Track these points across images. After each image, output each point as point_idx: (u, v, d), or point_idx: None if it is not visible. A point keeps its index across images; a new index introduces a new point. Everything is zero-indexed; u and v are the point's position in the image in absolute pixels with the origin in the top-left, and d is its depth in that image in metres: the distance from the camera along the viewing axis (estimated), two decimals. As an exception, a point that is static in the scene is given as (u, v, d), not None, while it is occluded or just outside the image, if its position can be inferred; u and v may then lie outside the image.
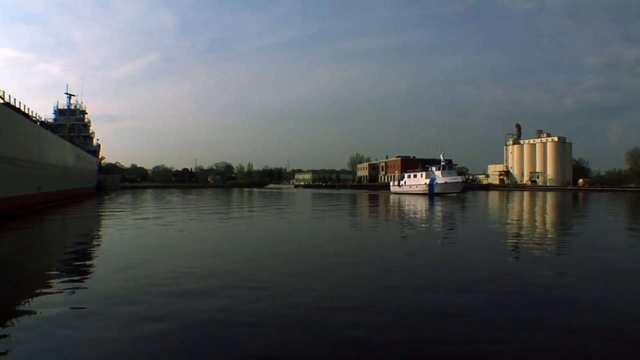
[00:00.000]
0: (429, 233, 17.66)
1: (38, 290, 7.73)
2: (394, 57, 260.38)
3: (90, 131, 78.04)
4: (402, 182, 70.79)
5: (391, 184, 77.76)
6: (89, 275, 9.05)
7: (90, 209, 34.50)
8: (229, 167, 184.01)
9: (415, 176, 67.54)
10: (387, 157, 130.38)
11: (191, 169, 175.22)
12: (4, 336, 5.40)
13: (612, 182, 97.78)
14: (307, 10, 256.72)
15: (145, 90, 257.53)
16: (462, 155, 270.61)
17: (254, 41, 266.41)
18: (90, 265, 10.32)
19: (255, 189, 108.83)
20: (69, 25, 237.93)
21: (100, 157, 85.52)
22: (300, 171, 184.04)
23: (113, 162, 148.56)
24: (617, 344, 5.22)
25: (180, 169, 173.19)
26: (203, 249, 12.86)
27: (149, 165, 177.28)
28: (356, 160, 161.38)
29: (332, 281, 8.51)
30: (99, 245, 14.11)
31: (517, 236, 16.35)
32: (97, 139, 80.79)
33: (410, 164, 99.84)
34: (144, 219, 23.54)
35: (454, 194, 56.35)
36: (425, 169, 66.01)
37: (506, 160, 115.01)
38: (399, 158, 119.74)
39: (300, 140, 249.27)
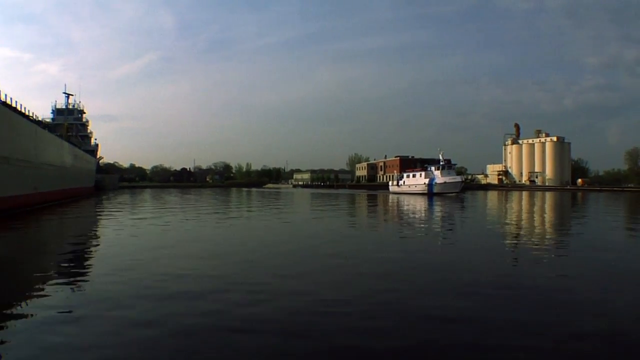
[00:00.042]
0: (429, 233, 17.51)
1: (29, 293, 7.53)
2: (393, 57, 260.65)
3: (89, 131, 77.90)
4: (401, 182, 70.62)
5: (390, 183, 77.60)
6: (81, 278, 8.76)
7: (88, 209, 34.27)
8: (227, 167, 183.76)
9: (414, 176, 67.35)
10: (385, 157, 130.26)
11: (190, 168, 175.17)
12: (-11, 341, 5.17)
13: (610, 182, 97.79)
14: (306, 10, 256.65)
15: (145, 90, 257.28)
16: (461, 155, 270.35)
17: (254, 41, 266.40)
18: (83, 267, 10.11)
19: (253, 189, 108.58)
20: (68, 25, 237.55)
21: (98, 156, 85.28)
22: (298, 171, 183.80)
23: (112, 162, 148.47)
24: (621, 349, 5.08)
25: (178, 168, 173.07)
26: (200, 249, 12.63)
27: (147, 165, 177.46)
28: (355, 160, 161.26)
29: (332, 283, 8.29)
30: (93, 246, 13.85)
31: (517, 237, 16.21)
32: (95, 139, 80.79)
33: (409, 164, 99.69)
34: (141, 219, 23.34)
35: (453, 194, 56.20)
36: (425, 169, 65.80)
37: (505, 160, 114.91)
38: (398, 158, 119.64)
39: (299, 140, 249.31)
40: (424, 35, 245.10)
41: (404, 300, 7.13)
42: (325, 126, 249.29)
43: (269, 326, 5.79)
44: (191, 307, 6.56)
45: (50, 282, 8.35)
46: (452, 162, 64.53)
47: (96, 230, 18.84)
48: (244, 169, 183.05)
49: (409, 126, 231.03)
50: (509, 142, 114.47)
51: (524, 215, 26.50)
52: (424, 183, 62.48)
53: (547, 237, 16.34)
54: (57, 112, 71.88)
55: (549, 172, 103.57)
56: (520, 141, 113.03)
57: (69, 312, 6.35)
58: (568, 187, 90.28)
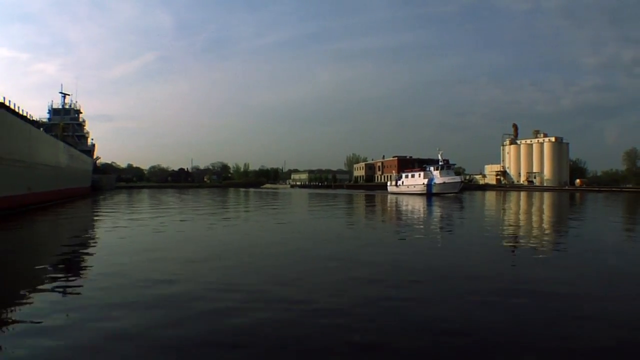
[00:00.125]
0: (429, 235, 17.17)
1: (4, 300, 7.12)
2: (391, 57, 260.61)
3: (85, 130, 77.55)
4: (399, 182, 70.32)
5: (389, 183, 77.30)
6: (64, 283, 8.28)
7: (82, 209, 33.89)
8: (225, 167, 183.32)
9: (413, 176, 67.03)
10: (383, 157, 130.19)
11: (187, 168, 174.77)
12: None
13: (609, 183, 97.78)
14: (304, 10, 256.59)
15: (142, 90, 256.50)
16: (459, 155, 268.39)
17: (251, 41, 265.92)
18: (68, 272, 9.61)
19: (251, 189, 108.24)
20: (65, 25, 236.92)
21: (95, 156, 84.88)
22: (296, 171, 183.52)
23: (109, 162, 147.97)
24: None
25: (176, 169, 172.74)
26: (192, 252, 12.21)
27: (145, 165, 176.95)
28: (353, 160, 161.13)
29: (328, 290, 7.84)
30: (82, 249, 13.26)
31: (518, 239, 15.87)
32: (92, 139, 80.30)
33: (407, 164, 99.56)
34: (134, 220, 22.97)
35: (452, 194, 55.95)
36: (423, 169, 65.49)
37: (503, 161, 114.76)
38: (396, 158, 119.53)
39: (297, 140, 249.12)
40: (422, 35, 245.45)
41: (405, 309, 6.65)
42: (323, 126, 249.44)
43: (259, 340, 5.34)
44: (175, 318, 6.08)
45: (30, 288, 7.90)
46: (451, 162, 64.31)
47: (87, 233, 18.39)
48: (242, 169, 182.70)
49: (407, 126, 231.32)
50: (507, 142, 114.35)
51: (526, 217, 26.22)
52: (423, 183, 62.21)
53: (549, 239, 16.04)
54: (53, 112, 71.64)
55: (547, 172, 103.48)
56: (518, 141, 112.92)
57: (40, 322, 5.89)
58: (566, 187, 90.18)
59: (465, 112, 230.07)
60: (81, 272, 9.52)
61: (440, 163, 62.34)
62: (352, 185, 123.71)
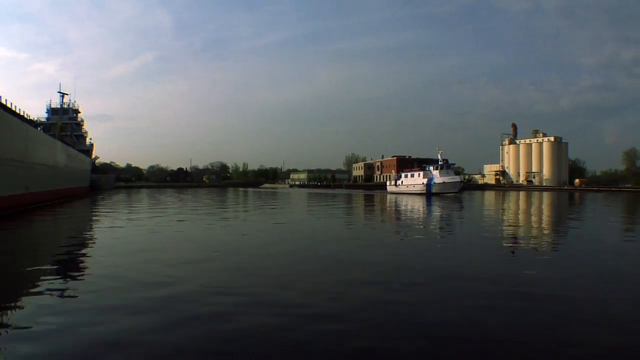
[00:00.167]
0: (429, 235, 17.04)
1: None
2: (390, 57, 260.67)
3: (83, 130, 77.35)
4: (399, 182, 70.05)
5: (388, 183, 77.06)
6: (54, 286, 8.04)
7: (80, 209, 33.71)
8: (224, 167, 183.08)
9: (412, 176, 66.75)
10: (382, 157, 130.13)
11: (186, 168, 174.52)
12: None
13: (608, 182, 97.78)
14: (303, 10, 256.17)
15: (141, 90, 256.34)
16: (458, 155, 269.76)
17: (250, 41, 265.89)
18: (60, 274, 9.38)
19: (250, 189, 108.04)
20: (64, 24, 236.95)
21: (93, 156, 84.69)
22: (295, 171, 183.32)
23: (108, 162, 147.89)
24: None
25: (175, 168, 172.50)
26: (189, 253, 12.07)
27: (144, 165, 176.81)
28: (352, 160, 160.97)
29: (325, 293, 7.62)
30: (77, 250, 13.09)
31: (519, 239, 15.72)
32: (90, 138, 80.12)
33: (406, 164, 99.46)
34: (133, 220, 22.80)
35: (452, 194, 55.79)
36: (423, 169, 65.27)
37: (502, 160, 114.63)
38: (395, 158, 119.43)
39: (295, 140, 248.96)
40: (422, 35, 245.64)
41: (404, 313, 6.43)
42: (322, 126, 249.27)
43: (251, 348, 5.13)
44: (166, 324, 5.84)
45: (22, 290, 7.74)
46: (450, 162, 64.14)
47: (84, 233, 18.22)
48: (241, 169, 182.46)
49: (406, 126, 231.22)
50: (507, 142, 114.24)
51: (524, 216, 26.10)
52: (423, 183, 62.01)
53: (549, 239, 15.93)
54: (51, 111, 71.53)
55: (546, 172, 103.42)
56: (517, 141, 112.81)
57: (29, 327, 5.68)
58: (565, 187, 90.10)
59: (465, 112, 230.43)
60: (75, 273, 9.32)
61: (439, 163, 62.16)
62: (351, 185, 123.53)
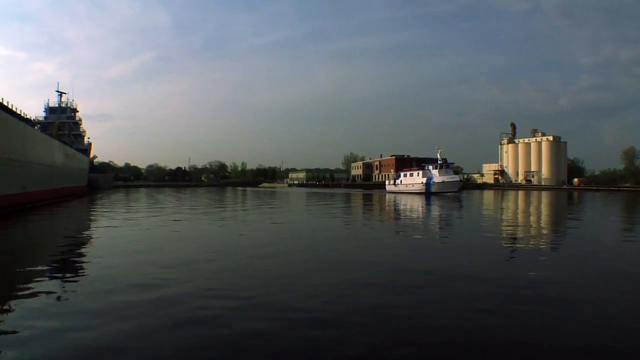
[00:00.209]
0: (431, 236, 16.90)
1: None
2: (389, 57, 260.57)
3: (81, 129, 77.19)
4: (398, 181, 69.76)
5: (387, 183, 76.85)
6: (45, 288, 7.74)
7: (77, 209, 33.49)
8: (222, 166, 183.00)
9: (411, 175, 66.48)
10: (381, 156, 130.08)
11: (185, 167, 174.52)
12: None
13: (606, 182, 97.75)
14: (302, 9, 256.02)
15: (140, 89, 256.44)
16: (457, 154, 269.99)
17: (249, 40, 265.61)
18: (52, 275, 9.15)
19: (249, 188, 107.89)
20: (63, 24, 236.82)
21: (92, 155, 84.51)
22: (294, 170, 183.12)
23: (106, 161, 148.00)
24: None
25: (174, 167, 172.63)
26: (185, 253, 11.85)
27: (142, 164, 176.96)
28: (350, 159, 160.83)
29: (324, 295, 7.39)
30: (71, 251, 12.84)
31: (519, 240, 15.50)
32: (88, 137, 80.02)
33: (404, 163, 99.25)
34: (130, 220, 22.55)
35: (451, 194, 55.64)
36: (422, 168, 65.07)
37: (501, 160, 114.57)
38: (394, 157, 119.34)
39: (294, 139, 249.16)
40: (421, 35, 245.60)
41: (404, 317, 6.20)
42: (321, 125, 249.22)
43: (242, 357, 4.90)
44: (153, 329, 5.60)
45: (12, 292, 7.52)
46: (449, 161, 63.99)
47: (79, 233, 17.89)
48: (240, 168, 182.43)
49: (404, 126, 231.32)
50: (505, 141, 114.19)
51: (524, 216, 25.97)
52: (422, 182, 61.80)
53: (549, 239, 15.81)
54: (49, 110, 71.32)
55: (545, 171, 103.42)
56: (516, 140, 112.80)
57: (17, 332, 5.50)
58: (564, 186, 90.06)
59: (464, 112, 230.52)
60: (68, 275, 9.12)
61: (439, 162, 62.01)
62: (350, 184, 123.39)
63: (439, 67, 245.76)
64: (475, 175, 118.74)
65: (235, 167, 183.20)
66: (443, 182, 58.69)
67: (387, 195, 57.78)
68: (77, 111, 75.93)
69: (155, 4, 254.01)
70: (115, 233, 16.74)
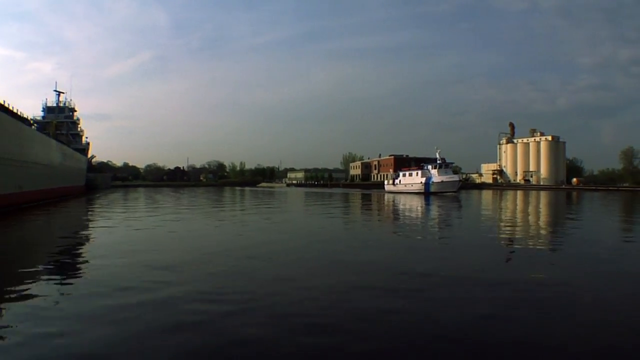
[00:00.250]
0: (428, 236, 16.70)
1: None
2: (387, 57, 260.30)
3: (79, 129, 76.87)
4: (397, 181, 69.55)
5: (386, 182, 76.68)
6: (33, 291, 7.55)
7: (74, 209, 33.28)
8: (221, 166, 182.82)
9: (410, 175, 66.28)
10: (380, 156, 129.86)
11: (183, 167, 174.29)
12: None
13: (605, 182, 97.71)
14: (301, 9, 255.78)
15: (138, 89, 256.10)
16: (456, 154, 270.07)
17: (248, 40, 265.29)
18: (42, 277, 8.91)
19: (247, 188, 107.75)
20: (61, 23, 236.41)
21: (90, 155, 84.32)
22: (292, 170, 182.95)
23: (105, 161, 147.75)
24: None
25: (172, 167, 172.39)
26: (179, 255, 11.65)
27: (141, 164, 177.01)
28: (349, 159, 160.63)
29: (320, 300, 7.16)
30: (64, 252, 12.59)
31: (520, 241, 15.30)
32: (86, 137, 79.68)
33: (403, 163, 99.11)
34: (126, 220, 22.30)
35: (451, 193, 55.47)
36: (421, 168, 64.91)
37: (500, 159, 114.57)
38: (392, 157, 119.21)
39: (293, 139, 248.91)
40: (419, 35, 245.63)
41: (404, 323, 5.98)
42: (320, 125, 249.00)
43: None
44: (139, 336, 5.40)
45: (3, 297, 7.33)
46: (449, 161, 63.82)
47: (74, 234, 17.66)
48: (238, 168, 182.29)
49: (403, 125, 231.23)
50: (504, 141, 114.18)
51: (525, 216, 25.83)
52: (421, 182, 61.61)
53: (551, 240, 15.64)
54: (47, 110, 71.13)
55: (543, 171, 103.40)
56: (515, 140, 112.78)
57: (2, 337, 5.35)
58: (563, 186, 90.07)
59: (462, 112, 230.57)
60: (60, 277, 8.92)
61: (438, 162, 61.84)
62: (348, 184, 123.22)
63: (437, 67, 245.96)
64: (474, 175, 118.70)
65: (233, 167, 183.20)
66: (442, 182, 58.52)
67: (386, 195, 57.62)
68: (75, 110, 75.69)
69: (153, 3, 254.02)
70: (111, 233, 16.53)
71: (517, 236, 16.24)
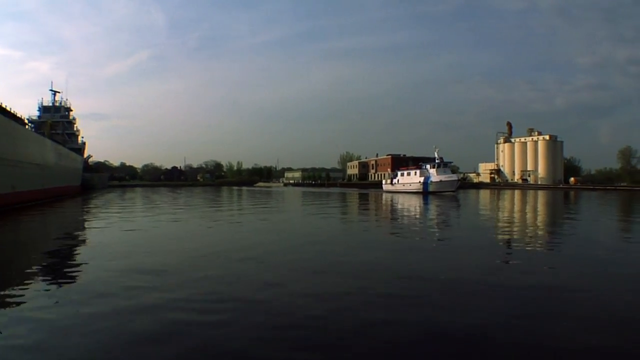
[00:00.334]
0: (427, 236, 16.44)
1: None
2: (385, 56, 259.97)
3: (75, 128, 76.41)
4: (395, 181, 69.26)
5: (384, 182, 76.45)
6: (13, 299, 7.27)
7: (69, 209, 32.93)
8: (218, 166, 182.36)
9: (409, 174, 66.04)
10: (377, 156, 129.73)
11: (181, 167, 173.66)
12: None
13: (603, 181, 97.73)
14: (298, 8, 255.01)
15: (136, 89, 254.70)
16: (453, 154, 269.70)
17: (245, 39, 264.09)
18: (24, 283, 8.53)
19: (244, 188, 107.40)
20: (59, 23, 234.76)
21: (86, 155, 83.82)
22: (290, 169, 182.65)
23: (102, 161, 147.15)
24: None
25: (169, 167, 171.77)
26: (170, 257, 11.28)
27: (138, 164, 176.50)
28: (346, 159, 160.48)
29: (313, 308, 6.72)
30: (53, 254, 12.33)
31: (520, 241, 14.99)
32: (82, 137, 79.18)
33: (400, 162, 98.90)
34: (120, 221, 21.92)
35: (449, 193, 55.21)
36: (420, 167, 64.67)
37: (497, 159, 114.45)
38: (389, 156, 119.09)
39: (290, 139, 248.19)
40: (417, 34, 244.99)
41: (404, 333, 5.60)
42: (317, 124, 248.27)
43: None
44: (109, 349, 5.06)
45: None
46: (447, 160, 63.56)
47: (66, 235, 17.34)
48: (235, 168, 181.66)
49: (400, 125, 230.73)
50: (501, 140, 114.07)
51: (524, 216, 25.59)
52: (419, 182, 61.39)
53: (552, 241, 15.35)
54: (43, 109, 70.76)
55: (541, 170, 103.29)
56: (512, 140, 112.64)
57: None
58: (561, 185, 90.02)
59: (460, 111, 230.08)
60: (40, 282, 8.59)
61: (436, 161, 61.61)
62: (346, 183, 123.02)
63: (435, 66, 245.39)
64: (472, 175, 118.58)
65: (231, 167, 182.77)
66: (441, 181, 58.30)
67: (384, 195, 57.38)
68: (71, 110, 75.26)
69: (151, 3, 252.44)
70: (103, 235, 16.19)
71: (516, 237, 15.99)
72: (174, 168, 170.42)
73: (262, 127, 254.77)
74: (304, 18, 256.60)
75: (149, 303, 6.85)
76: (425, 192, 58.36)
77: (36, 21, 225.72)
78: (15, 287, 7.96)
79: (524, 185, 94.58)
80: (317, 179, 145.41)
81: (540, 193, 63.37)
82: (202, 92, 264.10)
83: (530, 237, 16.01)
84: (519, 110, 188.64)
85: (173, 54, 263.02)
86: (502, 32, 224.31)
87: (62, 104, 73.40)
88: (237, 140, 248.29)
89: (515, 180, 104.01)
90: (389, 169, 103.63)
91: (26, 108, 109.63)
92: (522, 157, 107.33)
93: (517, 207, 33.46)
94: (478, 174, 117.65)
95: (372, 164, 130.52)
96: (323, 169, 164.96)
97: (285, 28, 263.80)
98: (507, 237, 16.09)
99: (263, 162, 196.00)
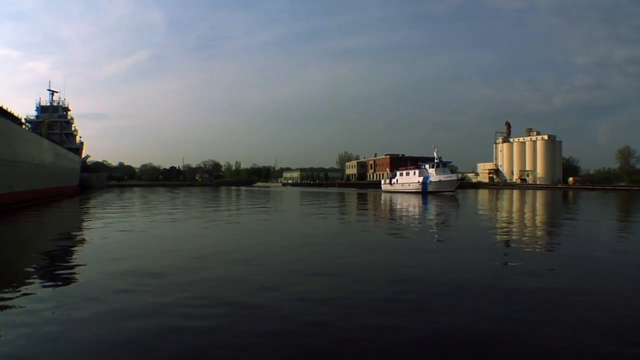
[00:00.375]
0: (426, 237, 16.33)
1: None
2: (383, 56, 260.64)
3: (73, 128, 76.15)
4: (394, 181, 69.10)
5: (382, 182, 76.34)
6: (6, 303, 7.08)
7: (66, 209, 32.74)
8: (216, 166, 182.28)
9: (408, 174, 65.91)
10: (375, 155, 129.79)
11: (179, 167, 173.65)
12: None
13: (601, 181, 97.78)
14: (297, 8, 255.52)
15: (134, 88, 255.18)
16: (452, 153, 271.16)
17: (244, 39, 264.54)
18: (11, 287, 8.23)
19: (242, 188, 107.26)
20: (57, 23, 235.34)
21: (84, 155, 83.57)
22: (288, 169, 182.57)
23: (100, 161, 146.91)
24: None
25: (168, 167, 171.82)
26: (164, 260, 11.07)
27: (136, 164, 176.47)
28: (345, 159, 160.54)
29: (308, 316, 6.43)
30: (46, 257, 12.06)
31: (520, 242, 14.84)
32: (80, 137, 78.98)
33: (399, 162, 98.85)
34: (117, 222, 21.69)
35: (448, 193, 55.07)
36: (418, 167, 64.52)
37: (496, 159, 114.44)
38: (388, 156, 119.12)
39: (288, 139, 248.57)
40: (415, 34, 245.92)
41: (403, 343, 5.34)
42: (316, 124, 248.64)
43: None
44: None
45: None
46: (445, 160, 63.43)
47: (62, 236, 17.08)
48: (234, 168, 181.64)
49: (399, 125, 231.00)
50: (500, 140, 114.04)
51: (523, 216, 25.49)
52: (418, 182, 61.27)
53: (553, 241, 15.31)
54: (41, 109, 70.45)
55: (540, 170, 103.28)
56: (511, 139, 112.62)
57: None
58: (559, 185, 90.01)
59: (458, 111, 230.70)
60: (37, 282, 8.44)
61: (435, 161, 61.48)
62: (344, 183, 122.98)
63: (433, 66, 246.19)
64: (470, 174, 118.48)
65: (229, 167, 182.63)
66: (440, 181, 58.19)
67: (383, 195, 57.24)
68: (69, 110, 75.00)
69: (149, 2, 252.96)
70: (99, 236, 15.97)
71: (515, 237, 15.85)
72: (173, 168, 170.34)
73: (260, 127, 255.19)
74: (303, 18, 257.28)
75: (141, 308, 6.67)
76: (424, 192, 58.24)
77: (34, 21, 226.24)
78: (6, 290, 7.79)
79: (523, 185, 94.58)
80: (315, 179, 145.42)
81: (539, 193, 63.30)
82: (200, 92, 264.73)
83: (530, 237, 15.90)
84: (518, 109, 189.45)
85: (172, 53, 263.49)
86: (501, 32, 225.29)
87: (60, 103, 73.16)
88: (235, 140, 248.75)
89: (514, 180, 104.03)
90: (387, 169, 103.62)
91: (24, 108, 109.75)
92: (520, 157, 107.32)
93: (516, 207, 33.37)
94: (477, 174, 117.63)
95: (371, 164, 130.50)
96: (321, 169, 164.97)
97: (284, 28, 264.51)
98: (506, 237, 15.95)
99: (261, 162, 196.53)
